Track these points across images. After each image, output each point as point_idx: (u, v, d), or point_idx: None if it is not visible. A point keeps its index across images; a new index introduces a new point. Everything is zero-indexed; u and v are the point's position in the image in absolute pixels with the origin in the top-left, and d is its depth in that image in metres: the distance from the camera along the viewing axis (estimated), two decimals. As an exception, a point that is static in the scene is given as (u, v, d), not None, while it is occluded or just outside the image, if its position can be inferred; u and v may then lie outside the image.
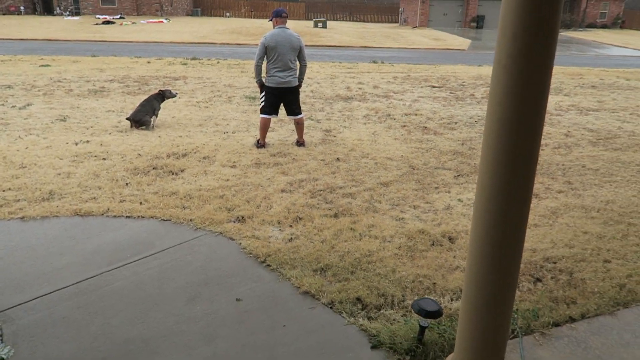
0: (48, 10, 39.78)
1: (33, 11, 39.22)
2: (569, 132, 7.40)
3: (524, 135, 1.71)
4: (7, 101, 8.46)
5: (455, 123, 7.75)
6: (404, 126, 7.45)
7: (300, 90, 6.14)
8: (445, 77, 13.05)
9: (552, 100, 9.98)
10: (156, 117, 7.04)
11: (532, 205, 4.44)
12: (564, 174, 5.43)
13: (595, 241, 3.78)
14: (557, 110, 9.00)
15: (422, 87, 11.33)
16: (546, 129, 7.55)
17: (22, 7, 37.50)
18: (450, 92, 10.67)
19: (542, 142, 6.70)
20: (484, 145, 1.80)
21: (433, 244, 3.68)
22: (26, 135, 6.39)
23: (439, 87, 11.40)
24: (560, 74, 14.51)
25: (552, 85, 11.99)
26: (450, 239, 3.77)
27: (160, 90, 7.31)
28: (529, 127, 1.71)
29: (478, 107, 9.18)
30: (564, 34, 34.20)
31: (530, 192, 1.83)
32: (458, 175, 5.27)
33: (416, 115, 8.25)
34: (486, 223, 1.81)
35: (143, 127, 6.82)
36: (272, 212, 4.17)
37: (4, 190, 4.48)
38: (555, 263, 3.43)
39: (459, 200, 4.57)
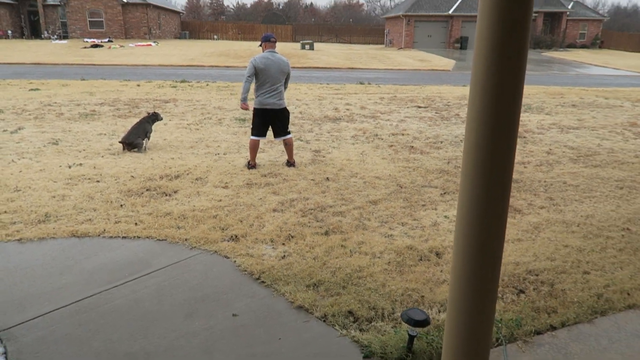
0: (36, 34, 39.93)
1: (21, 35, 39.33)
2: (550, 149, 7.65)
3: (498, 148, 1.88)
4: (-2, 125, 8.53)
5: (441, 142, 7.98)
6: (391, 146, 7.65)
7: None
8: (431, 98, 13.38)
9: (534, 119, 10.30)
10: (148, 139, 7.17)
11: (515, 221, 4.64)
12: (546, 191, 5.64)
13: (576, 254, 3.96)
14: (539, 129, 9.29)
15: (408, 107, 11.61)
16: (528, 147, 7.81)
17: (9, 31, 37.60)
18: (436, 112, 10.96)
19: (525, 159, 6.97)
20: (463, 161, 1.97)
21: (421, 259, 3.83)
22: (19, 159, 6.47)
23: (425, 107, 11.70)
24: (542, 93, 14.95)
25: (534, 104, 12.37)
26: (438, 254, 3.92)
27: (154, 112, 7.44)
28: (503, 141, 1.88)
29: (463, 126, 9.44)
30: (545, 54, 35.15)
31: (507, 203, 1.99)
32: (444, 193, 5.44)
33: (403, 135, 8.47)
34: (466, 234, 1.96)
35: (135, 150, 6.94)
36: (264, 231, 4.29)
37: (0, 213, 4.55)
38: (537, 275, 3.59)
39: (446, 217, 4.74)
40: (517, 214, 4.87)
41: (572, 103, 12.91)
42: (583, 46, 43.27)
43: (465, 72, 22.69)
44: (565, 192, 5.58)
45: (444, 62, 27.27)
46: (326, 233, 4.28)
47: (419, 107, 11.70)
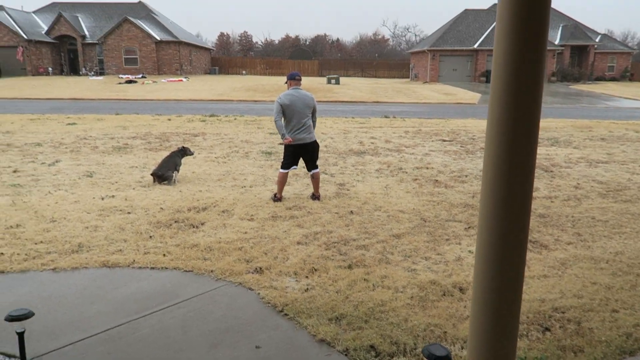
0: (74, 71, 41.93)
1: (60, 72, 41.35)
2: (578, 184, 7.55)
3: (517, 179, 1.92)
4: (37, 158, 8.94)
5: (466, 176, 7.97)
6: (416, 179, 7.68)
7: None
8: (456, 131, 13.41)
9: (562, 153, 10.19)
10: (178, 172, 7.39)
11: (541, 257, 4.59)
12: (574, 226, 5.55)
13: (604, 291, 3.88)
14: (567, 163, 9.19)
15: (433, 141, 11.66)
16: (556, 181, 7.72)
17: (50, 69, 39.60)
18: (461, 146, 10.96)
19: (552, 194, 6.89)
20: (481, 195, 2.02)
21: (444, 294, 3.81)
22: (55, 190, 6.75)
23: (450, 140, 11.72)
24: (569, 126, 14.80)
25: (562, 138, 12.25)
26: (461, 290, 3.90)
27: (182, 146, 7.71)
28: (520, 174, 1.92)
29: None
30: (573, 87, 34.85)
31: (525, 236, 2.01)
32: (468, 227, 5.42)
33: (427, 168, 8.50)
34: (484, 270, 1.99)
35: (165, 182, 7.16)
36: (288, 264, 4.36)
37: (36, 243, 4.75)
38: (563, 313, 3.53)
39: (470, 251, 4.72)
40: (543, 250, 4.80)
41: (601, 136, 12.74)
42: (612, 79, 42.76)
43: (491, 106, 22.63)
44: (594, 228, 5.49)
45: (469, 96, 27.33)
46: (349, 266, 4.32)
47: (444, 140, 11.74)
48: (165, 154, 8.40)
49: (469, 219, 5.72)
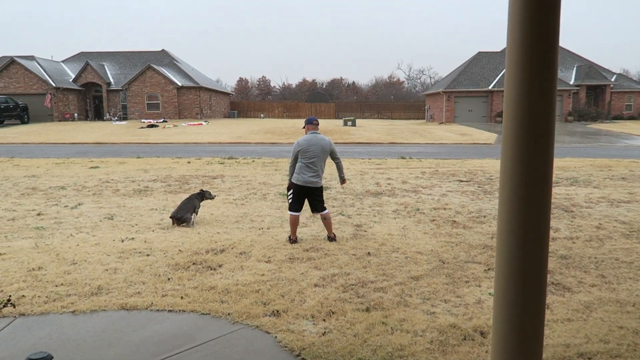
0: (99, 116, 43.35)
1: (85, 117, 42.77)
2: (600, 224, 7.41)
3: (533, 217, 1.92)
4: (60, 201, 9.15)
5: (484, 217, 7.89)
6: (433, 220, 7.64)
7: (344, 184, 6.81)
8: (473, 172, 13.37)
9: (582, 193, 10.06)
10: (196, 214, 7.48)
11: (564, 299, 4.48)
12: (597, 267, 5.42)
13: (632, 336, 3.74)
14: (587, 203, 9.05)
15: (450, 181, 11.63)
16: (577, 221, 7.60)
17: (75, 114, 41.01)
18: (478, 186, 10.91)
19: (573, 234, 6.77)
20: (498, 232, 2.01)
21: (465, 339, 3.72)
22: (77, 233, 6.88)
23: (467, 181, 11.68)
24: (588, 165, 14.64)
25: (581, 178, 12.11)
26: (482, 334, 3.81)
27: (201, 189, 7.84)
28: (536, 212, 1.92)
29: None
30: (591, 127, 34.65)
31: (545, 276, 1.99)
32: (488, 269, 5.33)
33: (445, 209, 8.46)
34: (504, 311, 1.96)
35: (184, 224, 7.24)
36: (305, 306, 4.32)
37: (57, 286, 4.81)
38: (589, 359, 3.41)
39: (490, 294, 4.62)
40: (566, 292, 4.69)
41: (621, 176, 12.55)
42: (631, 117, 42.45)
43: (508, 146, 22.59)
44: (618, 270, 5.35)
45: (486, 136, 27.35)
46: (367, 309, 4.26)
47: (461, 181, 11.70)
48: (185, 196, 8.54)
49: (488, 261, 5.63)
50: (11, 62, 39.04)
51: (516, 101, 1.90)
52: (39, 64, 40.65)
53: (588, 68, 42.01)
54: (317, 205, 6.41)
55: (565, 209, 8.46)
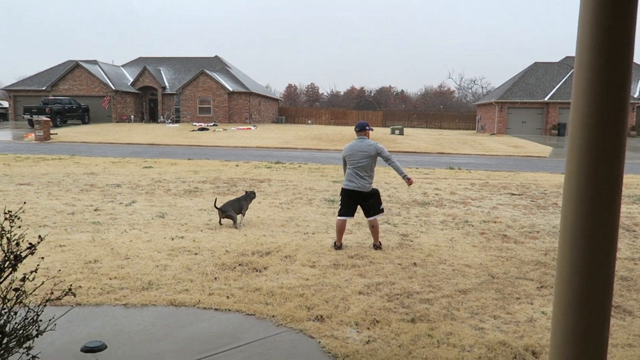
0: (153, 118, 45.06)
1: (141, 119, 44.56)
2: (664, 245, 6.96)
3: (598, 242, 1.81)
4: (116, 198, 9.54)
5: (537, 232, 7.59)
6: (483, 233, 7.42)
7: (411, 183, 6.49)
8: (526, 185, 12.91)
9: (636, 211, 9.50)
10: (243, 215, 7.60)
11: (625, 324, 4.23)
12: (661, 291, 5.08)
13: (701, 367, 3.48)
14: (650, 222, 8.53)
15: (500, 194, 11.28)
16: (638, 241, 7.17)
17: (132, 116, 42.80)
18: (531, 200, 10.52)
19: (635, 255, 6.40)
20: (559, 249, 1.92)
21: (515, 357, 3.57)
22: (130, 229, 7.13)
23: (519, 194, 11.29)
24: (652, 183, 13.83)
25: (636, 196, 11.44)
26: (534, 353, 3.64)
27: (246, 191, 7.97)
28: (603, 228, 1.82)
29: (561, 216, 8.93)
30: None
31: (610, 297, 1.88)
32: (541, 287, 5.11)
33: (495, 222, 8.20)
34: (565, 332, 1.87)
35: (230, 219, 7.35)
36: (349, 314, 4.29)
37: (110, 279, 5.00)
38: (653, 388, 3.19)
39: (543, 312, 4.43)
40: (627, 316, 4.42)
41: (689, 195, 11.76)
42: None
43: (563, 159, 21.72)
44: (685, 295, 4.99)
45: (540, 149, 26.39)
46: (412, 320, 4.18)
47: (513, 194, 11.32)
48: (233, 198, 8.70)
49: (541, 278, 5.40)
50: (76, 66, 41.27)
51: (586, 116, 1.81)
52: (101, 68, 42.77)
53: (653, 80, 39.82)
54: (370, 210, 6.37)
55: (627, 228, 8.01)
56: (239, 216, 7.51)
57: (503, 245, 6.77)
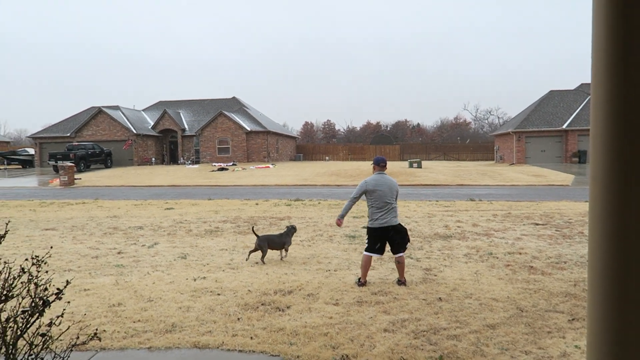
0: (173, 160, 45.93)
1: (162, 161, 45.47)
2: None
3: (631, 272, 1.76)
4: (138, 240, 9.65)
5: (564, 262, 7.40)
6: (508, 265, 7.26)
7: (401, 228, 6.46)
8: (549, 214, 12.67)
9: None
10: (286, 251, 7.66)
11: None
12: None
13: None
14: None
15: (524, 224, 11.08)
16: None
17: (153, 158, 43.72)
18: (556, 230, 10.30)
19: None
20: (589, 284, 1.87)
21: (550, 395, 3.43)
22: (153, 271, 7.18)
23: (544, 224, 11.07)
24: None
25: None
26: (570, 391, 3.49)
27: (286, 226, 8.07)
28: (636, 258, 1.77)
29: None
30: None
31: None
32: (573, 320, 4.95)
33: (520, 254, 8.03)
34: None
35: (256, 258, 7.40)
36: (375, 352, 4.19)
37: (134, 322, 5.01)
38: None
39: (576, 346, 4.27)
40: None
41: None
42: None
43: (586, 187, 21.33)
44: None
45: (562, 177, 26.01)
46: (440, 358, 4.06)
47: (537, 224, 11.11)
48: (254, 237, 8.72)
49: (572, 310, 5.23)
50: (99, 111, 42.67)
51: (605, 144, 1.80)
52: (122, 113, 44.13)
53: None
54: (400, 245, 6.29)
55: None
56: (282, 251, 7.66)
57: (530, 277, 6.61)
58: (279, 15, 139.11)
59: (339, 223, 6.58)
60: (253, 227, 7.93)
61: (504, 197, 17.38)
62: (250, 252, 7.75)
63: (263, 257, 7.50)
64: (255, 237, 7.67)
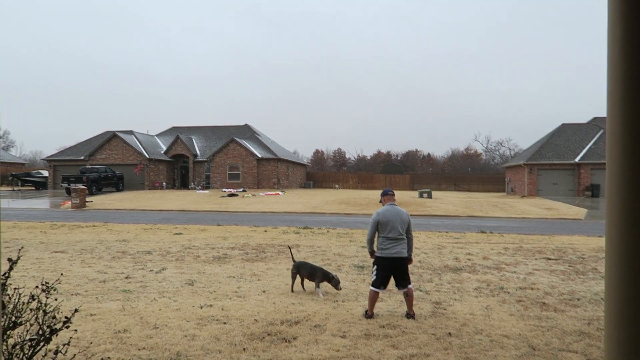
0: (184, 185, 46.21)
1: (172, 186, 45.76)
2: None
3: None
4: (146, 265, 9.63)
5: (578, 299, 7.23)
6: (520, 301, 7.11)
7: (409, 264, 6.40)
8: (562, 249, 12.47)
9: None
10: (320, 289, 7.36)
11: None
12: None
13: None
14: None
15: (536, 259, 10.90)
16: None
17: (164, 183, 44.02)
18: (569, 265, 10.11)
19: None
20: (606, 321, 1.82)
21: None
22: (160, 297, 7.13)
23: (556, 259, 10.88)
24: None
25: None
26: None
27: (331, 274, 7.42)
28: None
29: (603, 282, 8.53)
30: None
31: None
32: (587, 360, 4.80)
33: (532, 289, 7.87)
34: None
35: (260, 290, 7.29)
36: (383, 388, 4.09)
37: (139, 349, 4.95)
38: None
39: (591, 389, 4.13)
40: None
41: None
42: None
43: (600, 222, 21.03)
44: None
45: (574, 211, 25.69)
46: (450, 397, 3.95)
47: (549, 259, 10.92)
48: (261, 264, 8.67)
49: (586, 350, 5.08)
50: (113, 136, 43.32)
51: (620, 181, 1.78)
52: (136, 138, 44.74)
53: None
54: (403, 281, 6.23)
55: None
56: (316, 281, 7.43)
57: (542, 314, 6.46)
58: (292, 45, 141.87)
59: (372, 256, 6.47)
60: (290, 249, 7.98)
61: (515, 230, 17.17)
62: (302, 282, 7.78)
63: (294, 280, 7.67)
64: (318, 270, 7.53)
